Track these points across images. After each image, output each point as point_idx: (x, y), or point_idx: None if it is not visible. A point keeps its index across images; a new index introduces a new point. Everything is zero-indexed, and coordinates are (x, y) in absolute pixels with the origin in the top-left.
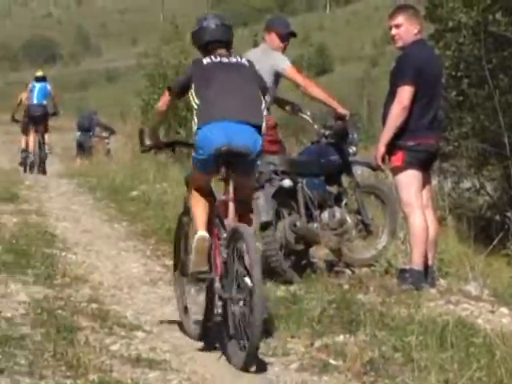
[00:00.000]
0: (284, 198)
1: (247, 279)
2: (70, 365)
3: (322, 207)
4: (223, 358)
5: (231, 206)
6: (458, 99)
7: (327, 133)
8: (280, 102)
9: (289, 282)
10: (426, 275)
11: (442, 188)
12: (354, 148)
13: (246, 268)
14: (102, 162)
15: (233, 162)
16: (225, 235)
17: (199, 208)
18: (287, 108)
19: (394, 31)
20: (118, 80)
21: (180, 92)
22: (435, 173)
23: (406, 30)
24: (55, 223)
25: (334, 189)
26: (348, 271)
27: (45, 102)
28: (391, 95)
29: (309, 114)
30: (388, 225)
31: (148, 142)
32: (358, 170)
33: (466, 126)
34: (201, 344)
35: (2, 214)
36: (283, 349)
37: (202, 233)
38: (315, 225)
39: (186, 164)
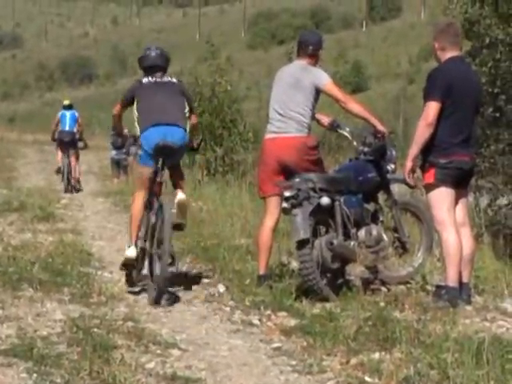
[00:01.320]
0: (321, 216)
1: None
2: (105, 383)
3: (358, 225)
4: (257, 375)
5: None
6: (494, 115)
7: (366, 150)
8: (320, 119)
9: (325, 300)
10: (461, 292)
11: (477, 205)
12: (393, 165)
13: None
14: None
15: (167, 152)
16: (156, 206)
17: (136, 209)
18: (326, 124)
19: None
20: None
21: (126, 103)
22: (471, 189)
23: (434, 47)
24: (91, 242)
25: (371, 206)
26: (384, 289)
27: (74, 129)
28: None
29: (348, 130)
30: (424, 242)
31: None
32: (394, 187)
33: (503, 142)
34: (235, 362)
35: (38, 233)
36: (319, 366)
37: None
38: (352, 242)
39: (220, 183)
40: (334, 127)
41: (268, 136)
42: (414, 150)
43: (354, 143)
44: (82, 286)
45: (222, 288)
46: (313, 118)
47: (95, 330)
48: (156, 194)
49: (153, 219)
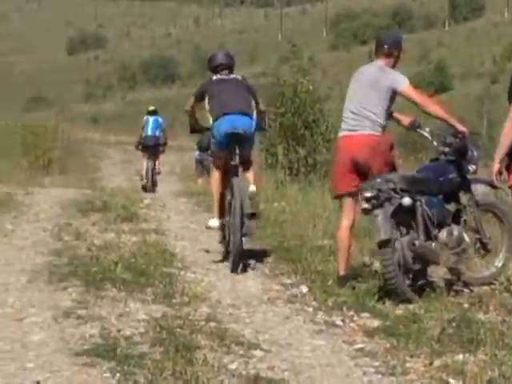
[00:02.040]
0: (402, 217)
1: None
2: (188, 383)
3: (439, 225)
4: (340, 377)
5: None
6: None
7: (446, 150)
8: (400, 119)
9: (408, 301)
10: None
11: None
12: (474, 166)
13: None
14: None
15: (236, 138)
16: (230, 186)
17: (216, 186)
18: (407, 124)
19: None
20: None
21: (198, 99)
22: None
23: None
24: (174, 242)
25: (452, 207)
26: (467, 290)
27: (157, 134)
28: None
29: (428, 130)
30: (506, 243)
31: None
32: (478, 188)
33: None
34: (318, 363)
35: (121, 233)
36: (402, 368)
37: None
38: (433, 244)
39: (302, 183)
40: (414, 127)
41: (342, 134)
42: (501, 151)
43: (434, 143)
44: (165, 286)
45: (304, 289)
46: (388, 118)
47: (178, 330)
48: (231, 175)
49: (228, 197)
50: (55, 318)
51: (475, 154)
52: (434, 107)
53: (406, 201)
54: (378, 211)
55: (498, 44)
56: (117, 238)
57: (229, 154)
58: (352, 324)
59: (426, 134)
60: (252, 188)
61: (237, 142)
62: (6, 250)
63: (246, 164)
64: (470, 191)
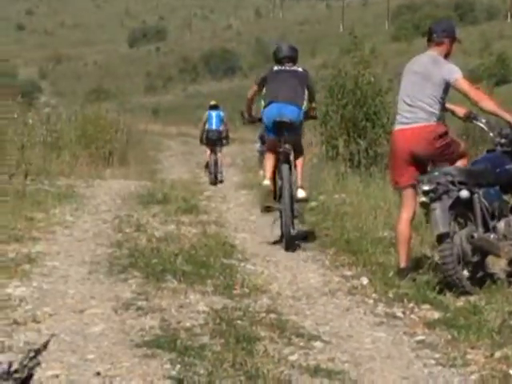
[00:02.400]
0: (460, 209)
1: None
2: (249, 375)
3: (498, 217)
4: (400, 368)
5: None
6: None
7: (503, 141)
8: (454, 110)
9: (468, 293)
10: None
11: None
12: None
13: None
14: None
15: (282, 126)
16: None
17: (269, 161)
18: (462, 115)
19: None
20: None
21: (259, 87)
22: None
23: None
24: (234, 234)
25: (509, 198)
26: None
27: (220, 128)
28: None
29: (484, 121)
30: None
31: (246, 117)
32: None
33: None
34: (379, 355)
35: (181, 225)
36: (463, 359)
37: (267, 181)
38: (492, 235)
39: (363, 175)
40: (470, 118)
41: (397, 127)
42: None
43: (491, 134)
44: (225, 277)
45: (365, 280)
46: (443, 109)
47: (238, 321)
48: (280, 162)
49: (279, 182)
50: (115, 310)
51: None
52: (487, 102)
53: (464, 193)
54: (435, 204)
55: None
56: (177, 229)
57: (277, 141)
58: (413, 316)
59: (482, 125)
60: (301, 194)
61: (283, 129)
62: (66, 242)
63: (296, 151)
64: None
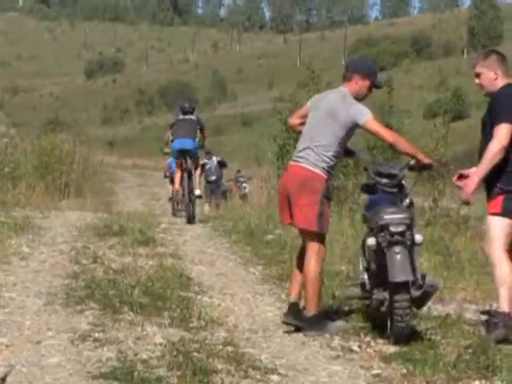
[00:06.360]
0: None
1: None
2: None
3: None
4: None
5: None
6: None
7: (385, 181)
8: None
9: (424, 327)
10: None
11: None
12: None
13: None
14: (237, 205)
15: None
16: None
17: (177, 174)
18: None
19: (476, 80)
20: (253, 124)
21: (171, 127)
22: None
23: (486, 77)
24: (191, 266)
25: None
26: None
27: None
28: (484, 140)
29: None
30: None
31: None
32: None
33: None
34: None
35: (138, 257)
36: None
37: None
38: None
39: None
40: (351, 153)
41: (290, 162)
42: (482, 172)
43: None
44: (182, 310)
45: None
46: (340, 152)
47: (195, 354)
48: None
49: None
50: (72, 341)
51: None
52: (404, 143)
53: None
54: (399, 248)
55: None
56: (134, 261)
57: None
58: (369, 349)
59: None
60: (197, 192)
61: (186, 153)
62: (23, 273)
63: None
64: None
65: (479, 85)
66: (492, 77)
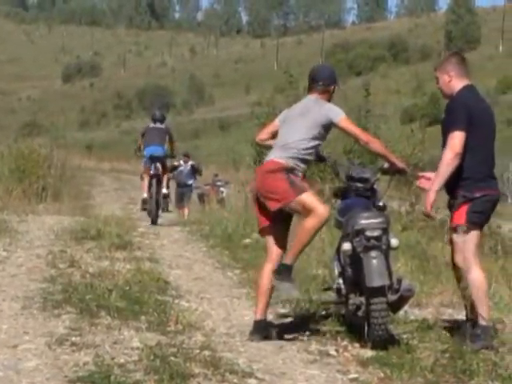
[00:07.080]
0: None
1: None
2: None
3: None
4: None
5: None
6: None
7: (359, 185)
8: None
9: (401, 331)
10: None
11: None
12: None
13: None
14: (214, 209)
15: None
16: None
17: (146, 178)
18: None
19: (437, 85)
20: (231, 129)
21: (142, 135)
22: None
23: (442, 80)
24: (168, 270)
25: None
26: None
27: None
28: (444, 144)
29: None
30: None
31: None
32: None
33: None
34: None
35: (115, 261)
36: None
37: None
38: None
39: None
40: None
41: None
42: (440, 180)
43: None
44: (159, 314)
45: (298, 318)
46: (311, 153)
47: (172, 358)
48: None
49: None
50: (49, 345)
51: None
52: (376, 143)
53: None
54: (375, 253)
55: (492, 77)
56: (111, 265)
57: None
58: (346, 354)
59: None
60: (164, 190)
61: (155, 159)
62: None
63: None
64: None
65: (439, 89)
66: (446, 79)
